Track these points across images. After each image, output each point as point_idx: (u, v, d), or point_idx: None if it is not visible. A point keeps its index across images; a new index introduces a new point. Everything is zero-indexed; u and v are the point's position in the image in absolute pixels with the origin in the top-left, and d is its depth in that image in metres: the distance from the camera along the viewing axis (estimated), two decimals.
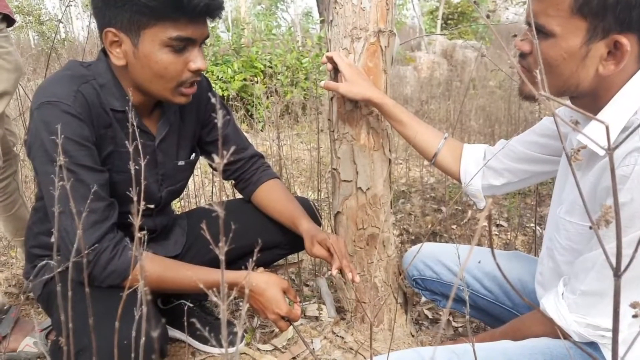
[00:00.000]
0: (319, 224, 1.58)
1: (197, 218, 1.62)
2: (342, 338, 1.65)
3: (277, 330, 1.72)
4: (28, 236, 1.35)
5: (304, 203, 1.58)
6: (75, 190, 1.07)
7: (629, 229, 0.85)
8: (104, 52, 1.20)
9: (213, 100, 1.51)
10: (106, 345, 0.94)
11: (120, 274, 1.14)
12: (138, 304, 0.63)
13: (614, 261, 0.50)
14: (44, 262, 1.30)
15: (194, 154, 1.46)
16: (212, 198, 2.73)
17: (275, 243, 1.59)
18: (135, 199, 0.73)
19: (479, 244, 2.39)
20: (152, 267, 1.19)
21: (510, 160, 1.31)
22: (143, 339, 0.61)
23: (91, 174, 1.12)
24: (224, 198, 2.37)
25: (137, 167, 0.83)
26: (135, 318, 0.65)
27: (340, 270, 1.67)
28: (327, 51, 1.47)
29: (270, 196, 1.55)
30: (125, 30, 1.11)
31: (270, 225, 1.57)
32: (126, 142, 1.22)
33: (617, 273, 0.50)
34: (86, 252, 1.09)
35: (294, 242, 1.60)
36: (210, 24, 1.19)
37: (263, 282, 1.24)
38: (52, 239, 1.26)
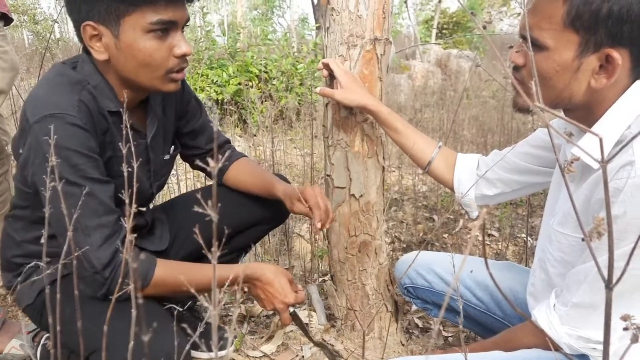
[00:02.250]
0: None
1: (174, 209, 1.61)
2: (332, 346, 1.64)
3: (266, 336, 1.71)
4: (8, 245, 1.30)
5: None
6: (85, 205, 1.03)
7: (621, 242, 0.85)
8: (85, 51, 1.17)
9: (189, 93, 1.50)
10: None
11: (138, 286, 1.13)
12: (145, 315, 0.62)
13: (605, 274, 0.50)
14: (29, 266, 1.27)
15: (173, 147, 1.46)
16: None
17: (257, 220, 1.60)
18: (127, 201, 0.73)
19: (471, 254, 2.39)
20: (168, 273, 1.18)
21: (503, 171, 1.31)
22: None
23: (100, 186, 1.10)
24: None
25: (129, 169, 0.82)
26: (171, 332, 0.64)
27: (332, 278, 1.66)
28: (323, 57, 1.47)
29: (243, 171, 1.56)
30: (103, 22, 1.08)
31: (247, 204, 1.57)
32: (120, 143, 1.21)
33: (609, 285, 0.50)
34: (102, 268, 1.08)
35: (274, 215, 1.62)
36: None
37: (272, 272, 1.25)
38: (39, 247, 1.25)
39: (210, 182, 1.68)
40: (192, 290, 0.55)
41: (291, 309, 1.27)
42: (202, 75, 5.16)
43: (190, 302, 1.74)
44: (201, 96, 4.85)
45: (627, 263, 0.49)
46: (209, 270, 1.21)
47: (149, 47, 1.10)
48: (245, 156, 1.61)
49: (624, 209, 0.85)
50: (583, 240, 0.52)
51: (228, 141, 1.63)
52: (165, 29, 1.10)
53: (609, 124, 0.93)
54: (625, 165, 0.86)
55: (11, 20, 1.68)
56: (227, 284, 1.13)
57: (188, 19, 1.16)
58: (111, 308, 0.72)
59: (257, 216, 1.59)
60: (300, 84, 5.49)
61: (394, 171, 3.85)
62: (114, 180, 1.19)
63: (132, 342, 0.66)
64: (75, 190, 1.04)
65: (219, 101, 5.01)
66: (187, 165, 1.62)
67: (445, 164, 1.41)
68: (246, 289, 1.30)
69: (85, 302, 0.87)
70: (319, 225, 1.34)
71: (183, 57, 1.15)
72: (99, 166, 1.11)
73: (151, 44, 1.10)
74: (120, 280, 1.11)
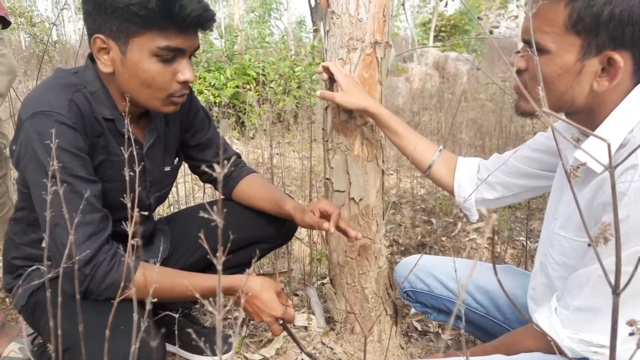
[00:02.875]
0: None
1: (177, 221, 1.61)
2: (332, 349, 1.64)
3: (265, 339, 1.71)
4: (8, 247, 1.31)
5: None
6: (70, 202, 1.04)
7: (625, 246, 0.85)
8: (91, 58, 1.19)
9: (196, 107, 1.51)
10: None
11: (118, 286, 1.12)
12: (145, 315, 0.62)
13: (611, 278, 0.50)
14: (31, 269, 1.27)
15: (177, 159, 1.46)
16: None
17: (260, 237, 1.59)
18: (129, 205, 0.72)
19: (470, 257, 2.39)
20: (151, 277, 1.18)
21: (504, 175, 1.31)
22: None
23: (86, 185, 1.10)
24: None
25: (130, 174, 0.82)
26: (139, 331, 0.63)
27: (331, 281, 1.66)
28: (322, 60, 1.47)
29: (252, 187, 1.56)
30: (113, 38, 1.09)
31: (253, 220, 1.57)
32: (120, 149, 1.21)
33: (616, 291, 0.50)
34: (83, 265, 1.07)
35: (278, 233, 1.61)
36: (202, 34, 1.18)
37: (258, 284, 1.24)
38: (38, 250, 1.24)
39: (213, 191, 1.68)
40: (162, 296, 0.55)
41: (280, 320, 1.27)
42: (199, 78, 5.16)
43: (187, 310, 1.74)
44: (199, 99, 4.84)
45: (636, 268, 0.49)
46: (194, 278, 1.21)
47: (153, 70, 1.11)
48: (255, 172, 1.61)
49: (627, 212, 0.85)
50: (589, 245, 0.52)
51: (238, 155, 1.62)
52: (172, 56, 1.12)
53: (611, 128, 0.93)
54: (629, 169, 0.86)
55: (9, 23, 1.68)
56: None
57: (198, 47, 1.17)
58: (113, 312, 0.72)
59: (261, 233, 1.59)
60: (298, 87, 5.49)
61: (392, 174, 3.86)
62: (107, 184, 1.19)
63: (133, 347, 0.65)
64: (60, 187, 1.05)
65: (217, 104, 5.01)
66: (186, 169, 1.61)
67: (445, 168, 1.40)
68: (234, 299, 1.29)
69: (66, 301, 0.87)
70: (332, 229, 1.35)
71: (185, 84, 1.16)
72: (86, 165, 1.12)
73: (155, 67, 1.11)
74: (102, 279, 1.10)
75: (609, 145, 0.42)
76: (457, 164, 1.40)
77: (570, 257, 1.04)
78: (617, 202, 0.85)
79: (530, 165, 1.27)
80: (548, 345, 1.02)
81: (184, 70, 1.14)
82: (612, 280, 0.84)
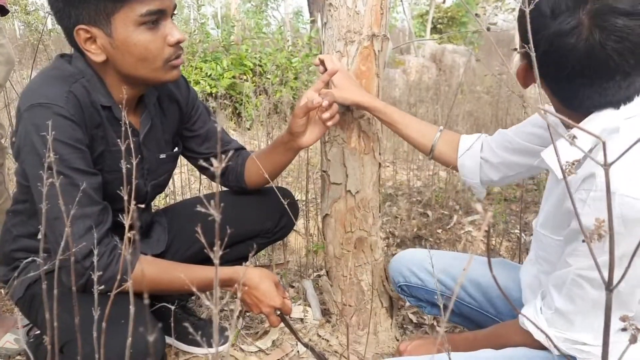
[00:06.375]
0: (297, 216, 1.65)
1: (175, 214, 1.61)
2: (327, 341, 1.65)
3: (261, 331, 1.71)
4: (5, 239, 1.31)
5: (286, 193, 1.60)
6: (69, 195, 1.04)
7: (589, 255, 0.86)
8: (78, 51, 1.17)
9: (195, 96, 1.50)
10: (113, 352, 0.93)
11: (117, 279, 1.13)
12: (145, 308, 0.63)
13: (594, 276, 0.51)
14: (27, 261, 1.27)
15: (176, 148, 1.45)
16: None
17: (258, 231, 1.60)
18: (125, 197, 0.73)
19: (464, 251, 2.40)
20: (150, 269, 1.18)
21: (507, 152, 1.30)
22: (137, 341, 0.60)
23: (85, 178, 1.10)
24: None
25: (128, 165, 0.82)
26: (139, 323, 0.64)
27: (327, 273, 1.66)
28: (319, 52, 1.46)
29: (253, 167, 1.53)
30: (95, 23, 1.08)
31: (251, 214, 1.57)
32: (117, 140, 1.21)
33: (609, 287, 0.50)
34: (82, 258, 1.07)
35: (276, 227, 1.62)
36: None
37: (257, 276, 1.24)
38: (36, 242, 1.24)
39: (209, 182, 1.67)
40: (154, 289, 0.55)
41: (278, 311, 1.27)
42: (196, 68, 5.14)
43: (183, 302, 1.75)
44: (195, 89, 4.82)
45: (626, 271, 0.50)
46: (191, 271, 1.21)
47: (143, 41, 1.10)
48: (250, 153, 1.58)
49: (590, 221, 0.85)
50: (583, 242, 0.53)
51: (243, 148, 1.61)
52: (156, 19, 1.11)
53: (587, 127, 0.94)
54: (588, 178, 0.85)
55: (7, 11, 1.66)
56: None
57: (175, 6, 1.17)
58: (109, 305, 0.72)
59: (259, 227, 1.59)
60: (295, 78, 5.47)
61: (388, 166, 3.86)
62: (107, 174, 1.19)
63: (129, 339, 0.66)
64: (59, 180, 1.05)
65: (213, 95, 4.99)
66: (182, 160, 1.61)
67: (448, 148, 1.39)
68: (233, 290, 1.30)
69: (65, 294, 0.87)
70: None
71: (177, 45, 1.16)
72: (85, 157, 1.11)
73: (145, 37, 1.10)
74: (100, 273, 1.10)
75: (604, 144, 0.42)
76: (460, 143, 1.39)
77: (550, 254, 1.06)
78: (580, 210, 0.85)
79: (532, 142, 1.25)
80: (534, 341, 1.03)
81: (172, 32, 1.13)
82: (586, 283, 0.85)
